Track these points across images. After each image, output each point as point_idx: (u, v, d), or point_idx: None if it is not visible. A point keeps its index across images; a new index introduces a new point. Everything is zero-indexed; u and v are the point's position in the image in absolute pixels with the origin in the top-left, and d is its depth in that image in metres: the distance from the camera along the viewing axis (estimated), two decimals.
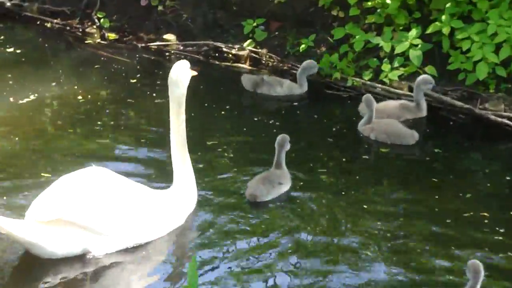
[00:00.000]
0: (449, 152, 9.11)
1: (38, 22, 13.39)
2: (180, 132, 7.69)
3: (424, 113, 9.88)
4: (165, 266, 7.13)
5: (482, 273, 6.37)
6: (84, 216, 6.95)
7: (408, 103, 9.92)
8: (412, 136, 9.26)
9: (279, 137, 8.30)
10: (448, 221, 7.57)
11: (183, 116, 7.69)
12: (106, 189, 7.18)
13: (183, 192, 7.70)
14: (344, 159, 8.97)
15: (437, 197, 8.03)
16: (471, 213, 7.73)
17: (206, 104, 10.29)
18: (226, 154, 8.96)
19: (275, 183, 8.09)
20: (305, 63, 10.70)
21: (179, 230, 7.50)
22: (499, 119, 9.56)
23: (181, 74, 7.63)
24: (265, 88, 10.69)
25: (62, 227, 6.92)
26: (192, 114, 9.96)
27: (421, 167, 8.81)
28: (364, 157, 9.15)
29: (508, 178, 8.46)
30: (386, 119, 9.58)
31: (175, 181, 7.71)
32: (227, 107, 10.25)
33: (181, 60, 7.76)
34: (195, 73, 7.75)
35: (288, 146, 8.32)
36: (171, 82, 7.64)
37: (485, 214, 7.70)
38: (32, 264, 6.97)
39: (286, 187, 8.18)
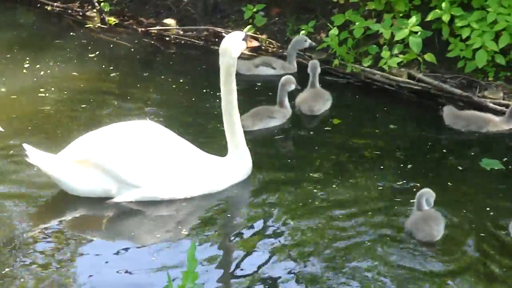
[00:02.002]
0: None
1: (38, 5, 13.39)
2: (229, 101, 7.80)
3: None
4: (179, 229, 7.29)
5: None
6: (111, 162, 7.37)
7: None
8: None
9: (282, 78, 9.54)
10: None
11: (232, 86, 7.76)
12: (144, 141, 7.53)
13: (231, 161, 7.86)
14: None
15: None
16: None
17: (204, 90, 10.33)
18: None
19: (265, 116, 9.27)
20: (295, 38, 10.77)
21: (215, 196, 7.73)
22: (498, 107, 9.57)
23: (230, 44, 7.71)
24: (261, 69, 10.79)
25: (89, 168, 7.42)
26: (193, 99, 10.08)
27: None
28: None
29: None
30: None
31: (228, 151, 7.92)
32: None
33: (236, 31, 7.95)
34: (254, 43, 7.93)
35: (291, 87, 9.55)
36: (220, 51, 7.77)
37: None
38: (61, 198, 7.62)
39: (276, 121, 9.35)
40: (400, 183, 8.08)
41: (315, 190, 7.88)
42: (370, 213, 7.52)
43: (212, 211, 7.61)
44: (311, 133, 9.41)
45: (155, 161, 7.47)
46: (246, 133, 8.19)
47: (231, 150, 7.91)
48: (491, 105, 9.70)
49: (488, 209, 7.58)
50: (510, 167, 8.45)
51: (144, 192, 7.49)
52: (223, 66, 7.75)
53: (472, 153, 8.82)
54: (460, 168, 8.48)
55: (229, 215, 7.68)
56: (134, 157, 7.43)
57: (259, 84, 10.65)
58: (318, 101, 9.84)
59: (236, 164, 7.89)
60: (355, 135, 9.23)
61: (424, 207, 7.28)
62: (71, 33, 12.42)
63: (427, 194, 7.31)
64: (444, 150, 8.91)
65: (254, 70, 10.87)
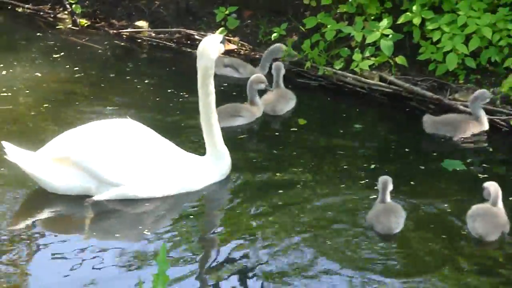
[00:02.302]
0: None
1: (9, 7, 13.29)
2: (207, 103, 7.81)
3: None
4: (155, 228, 7.33)
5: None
6: (89, 160, 7.40)
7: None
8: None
9: (252, 77, 9.74)
10: None
11: (210, 88, 7.78)
12: (124, 139, 7.57)
13: (210, 160, 7.91)
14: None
15: None
16: None
17: (174, 91, 10.37)
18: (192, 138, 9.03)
19: (229, 115, 9.40)
20: (273, 46, 10.75)
21: (194, 195, 7.79)
22: (468, 110, 9.63)
23: (208, 46, 7.75)
24: (228, 70, 10.81)
25: (68, 166, 7.45)
26: (157, 99, 10.08)
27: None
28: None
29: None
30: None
31: (207, 151, 7.96)
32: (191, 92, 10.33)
33: (214, 34, 8.02)
34: (231, 46, 7.88)
35: (259, 86, 9.64)
36: (198, 53, 7.80)
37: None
38: (39, 196, 7.67)
39: (243, 120, 9.49)
40: (362, 182, 8.20)
41: (280, 191, 7.96)
42: (333, 208, 7.68)
43: (189, 210, 7.65)
44: (276, 133, 9.50)
45: (134, 159, 7.50)
46: None
47: (209, 150, 7.96)
48: (461, 107, 9.77)
49: (446, 205, 7.77)
50: (471, 167, 8.57)
51: (123, 190, 7.52)
52: (201, 68, 7.77)
53: (435, 154, 8.93)
54: (423, 167, 8.58)
55: (205, 214, 7.73)
56: (113, 155, 7.46)
57: (226, 84, 10.64)
58: (281, 101, 9.92)
59: (214, 164, 7.94)
60: (321, 135, 9.33)
61: (387, 198, 7.47)
62: (40, 34, 12.31)
63: (390, 182, 7.52)
64: (407, 150, 9.01)
65: (222, 70, 10.85)
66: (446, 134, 9.29)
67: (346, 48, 10.81)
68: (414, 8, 10.32)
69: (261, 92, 9.85)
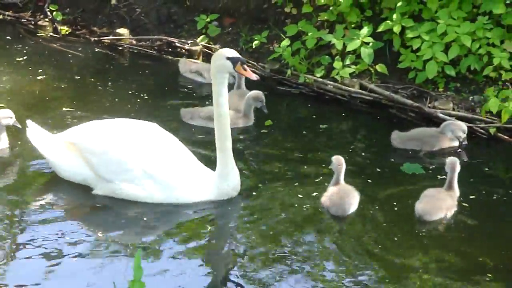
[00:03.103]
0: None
1: None
2: (218, 115, 7.52)
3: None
4: (142, 234, 7.31)
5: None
6: (90, 151, 7.50)
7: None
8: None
9: (252, 92, 9.66)
10: None
11: (218, 101, 7.46)
12: (138, 139, 7.54)
13: (216, 178, 7.65)
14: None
15: None
16: None
17: (148, 96, 10.45)
18: None
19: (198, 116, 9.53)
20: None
21: (190, 207, 7.65)
22: (448, 118, 9.67)
23: (214, 56, 7.56)
24: (194, 75, 10.93)
25: (75, 153, 7.60)
26: (137, 107, 10.08)
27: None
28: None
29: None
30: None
31: (217, 167, 7.71)
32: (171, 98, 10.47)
33: (227, 49, 7.66)
34: (250, 74, 7.49)
35: (257, 104, 9.58)
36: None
37: None
38: (51, 178, 7.94)
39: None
40: (318, 180, 8.31)
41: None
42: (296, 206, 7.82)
43: (181, 221, 7.57)
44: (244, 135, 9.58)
45: (133, 159, 7.45)
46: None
47: (219, 169, 7.65)
48: (441, 115, 9.81)
49: (397, 199, 8.03)
50: (430, 171, 8.62)
51: (114, 188, 7.53)
52: (211, 75, 7.60)
53: (393, 159, 9.04)
54: (386, 170, 8.72)
55: (195, 227, 7.54)
56: (117, 151, 7.45)
57: (190, 86, 10.83)
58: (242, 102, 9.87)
59: (219, 182, 7.65)
60: (286, 136, 9.47)
61: (341, 179, 7.76)
62: (20, 42, 12.27)
63: (343, 162, 7.80)
64: (373, 151, 9.17)
65: (188, 74, 11.04)
66: (414, 149, 9.20)
67: (327, 56, 10.84)
68: (394, 16, 10.37)
69: None
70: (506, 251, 7.24)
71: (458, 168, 7.87)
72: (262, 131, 9.57)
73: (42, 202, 7.63)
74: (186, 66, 11.12)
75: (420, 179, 8.50)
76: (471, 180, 8.55)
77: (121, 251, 6.95)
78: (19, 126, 8.68)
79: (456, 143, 9.22)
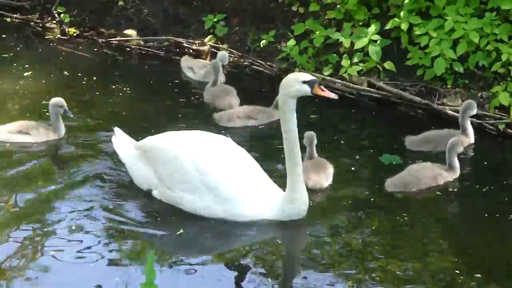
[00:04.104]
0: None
1: None
2: (288, 139, 7.17)
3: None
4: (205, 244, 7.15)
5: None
6: (155, 159, 7.54)
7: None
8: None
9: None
10: None
11: (288, 126, 7.13)
12: (207, 152, 7.42)
13: (284, 200, 7.31)
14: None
15: None
16: None
17: (155, 98, 10.51)
18: None
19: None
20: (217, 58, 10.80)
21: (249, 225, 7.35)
22: (457, 114, 9.64)
23: (287, 82, 7.13)
24: (188, 70, 11.12)
25: (145, 161, 7.67)
26: (145, 106, 10.10)
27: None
28: None
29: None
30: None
31: (286, 188, 7.36)
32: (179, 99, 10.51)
33: (300, 73, 7.48)
34: (328, 94, 7.19)
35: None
36: (280, 86, 7.19)
37: None
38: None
39: (255, 122, 9.66)
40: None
41: None
42: None
43: (237, 238, 7.32)
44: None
45: (196, 171, 7.29)
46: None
47: (287, 191, 7.33)
48: (450, 112, 9.80)
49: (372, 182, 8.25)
50: (409, 162, 8.59)
51: (171, 195, 7.48)
52: (279, 101, 7.25)
53: (371, 150, 9.15)
54: (360, 157, 8.90)
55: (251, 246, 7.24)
56: (181, 161, 7.36)
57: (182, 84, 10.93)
58: (221, 96, 10.14)
59: (281, 206, 7.32)
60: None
61: (314, 153, 8.17)
62: (29, 44, 12.31)
63: (315, 137, 8.23)
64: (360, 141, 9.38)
65: (186, 70, 11.19)
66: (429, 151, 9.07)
67: (334, 54, 10.84)
68: (402, 13, 10.36)
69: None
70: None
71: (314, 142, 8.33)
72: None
73: (93, 204, 7.66)
74: (186, 62, 11.27)
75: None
76: (480, 175, 8.56)
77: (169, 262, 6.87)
78: (71, 115, 8.96)
79: (472, 140, 9.15)
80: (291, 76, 7.21)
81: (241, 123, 9.63)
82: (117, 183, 8.07)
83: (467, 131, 9.16)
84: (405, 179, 8.10)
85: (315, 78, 7.22)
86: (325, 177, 8.05)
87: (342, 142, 9.39)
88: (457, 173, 8.33)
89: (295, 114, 7.15)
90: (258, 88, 10.56)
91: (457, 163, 8.31)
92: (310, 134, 8.25)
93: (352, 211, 7.68)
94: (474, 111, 9.17)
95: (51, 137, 8.95)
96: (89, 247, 6.96)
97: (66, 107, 8.94)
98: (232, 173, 7.32)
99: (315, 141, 8.22)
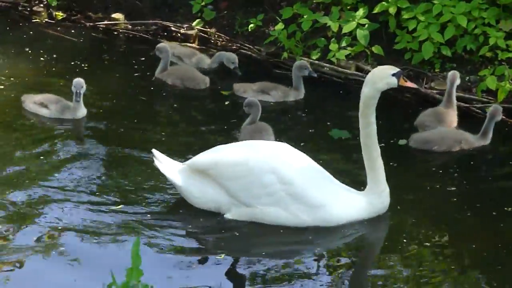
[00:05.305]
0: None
1: None
2: (367, 135, 7.22)
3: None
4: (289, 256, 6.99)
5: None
6: (225, 176, 7.15)
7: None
8: (204, 81, 10.27)
9: (296, 63, 10.17)
10: None
11: (371, 119, 7.18)
12: (273, 161, 7.17)
13: (367, 197, 7.28)
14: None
15: None
16: None
17: (143, 81, 10.56)
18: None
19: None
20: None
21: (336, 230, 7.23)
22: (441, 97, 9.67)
23: (376, 75, 7.18)
24: (174, 59, 10.90)
25: (207, 180, 7.24)
26: (136, 90, 10.09)
27: None
28: None
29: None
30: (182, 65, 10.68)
31: (367, 186, 7.35)
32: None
33: (387, 66, 7.46)
34: (410, 84, 7.45)
35: (303, 73, 9.98)
36: (365, 80, 7.23)
37: None
38: (180, 207, 7.47)
39: (270, 98, 10.00)
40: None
41: None
42: None
43: (330, 242, 7.26)
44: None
45: (277, 182, 7.08)
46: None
47: (369, 187, 7.31)
48: (437, 96, 9.82)
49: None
50: (358, 138, 8.60)
51: (253, 212, 7.18)
52: (363, 95, 7.18)
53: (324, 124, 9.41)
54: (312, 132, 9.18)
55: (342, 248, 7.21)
56: (258, 175, 7.10)
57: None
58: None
59: (371, 202, 7.26)
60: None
61: (257, 119, 8.65)
62: (16, 28, 12.23)
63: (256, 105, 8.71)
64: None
65: (173, 59, 10.94)
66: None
67: (322, 38, 10.83)
68: None
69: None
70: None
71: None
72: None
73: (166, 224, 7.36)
74: (171, 50, 10.90)
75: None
76: (468, 160, 8.61)
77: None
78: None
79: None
80: (380, 70, 7.28)
81: (254, 96, 9.71)
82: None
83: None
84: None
85: (400, 70, 7.36)
86: (269, 140, 8.39)
87: (328, 122, 9.50)
88: (487, 140, 8.87)
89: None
90: (246, 72, 10.50)
91: (491, 132, 8.85)
92: (251, 100, 8.82)
93: None
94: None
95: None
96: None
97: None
98: (313, 179, 7.20)
99: (260, 108, 8.74)
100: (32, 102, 9.33)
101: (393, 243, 7.23)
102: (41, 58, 11.08)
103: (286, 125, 9.51)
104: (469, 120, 9.41)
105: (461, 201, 7.85)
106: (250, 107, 8.79)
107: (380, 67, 7.47)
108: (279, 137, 8.74)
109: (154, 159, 7.36)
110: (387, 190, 7.30)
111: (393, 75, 7.18)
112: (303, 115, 9.83)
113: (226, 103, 9.98)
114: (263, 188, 7.08)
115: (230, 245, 7.09)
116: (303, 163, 7.29)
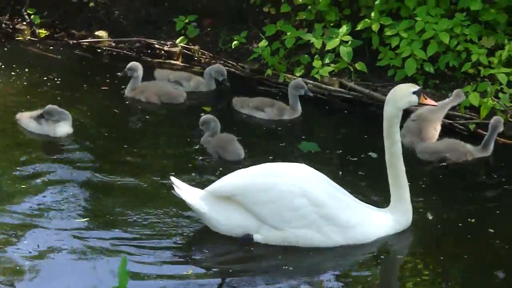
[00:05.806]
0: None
1: None
2: (393, 153, 7.27)
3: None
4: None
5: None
6: (254, 201, 7.06)
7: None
8: (181, 95, 10.39)
9: (292, 82, 10.14)
10: None
11: (395, 138, 7.25)
12: (296, 184, 7.10)
13: (391, 214, 7.34)
14: None
15: None
16: None
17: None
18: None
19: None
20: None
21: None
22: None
23: (397, 94, 7.23)
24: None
25: (233, 206, 7.14)
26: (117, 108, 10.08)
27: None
28: None
29: None
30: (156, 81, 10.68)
31: (391, 203, 7.40)
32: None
33: (408, 84, 7.50)
34: (430, 102, 7.49)
35: (299, 92, 9.98)
36: (386, 99, 7.29)
37: None
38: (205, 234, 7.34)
39: (264, 115, 10.06)
40: None
41: None
42: None
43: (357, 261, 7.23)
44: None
45: (304, 205, 7.05)
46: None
47: (394, 204, 7.36)
48: (419, 111, 9.85)
49: None
50: (327, 151, 8.88)
51: (284, 235, 7.10)
52: (386, 115, 7.25)
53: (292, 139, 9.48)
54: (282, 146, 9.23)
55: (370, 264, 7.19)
56: (288, 198, 7.05)
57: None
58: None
59: (395, 219, 7.33)
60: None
61: (217, 130, 8.91)
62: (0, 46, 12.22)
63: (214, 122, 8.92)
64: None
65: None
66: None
67: (306, 55, 10.87)
68: (373, 14, 10.43)
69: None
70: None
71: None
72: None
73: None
74: (168, 76, 10.92)
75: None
76: (451, 177, 8.67)
77: None
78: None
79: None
80: (401, 88, 7.32)
81: (249, 112, 9.96)
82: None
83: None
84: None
85: (420, 87, 7.44)
86: (241, 148, 8.79)
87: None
88: (489, 152, 8.97)
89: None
90: (230, 89, 10.53)
91: (492, 144, 8.96)
92: (207, 117, 9.02)
93: None
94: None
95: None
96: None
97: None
98: (341, 200, 7.21)
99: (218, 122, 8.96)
100: (28, 117, 9.35)
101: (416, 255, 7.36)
102: (24, 77, 11.04)
103: (257, 139, 9.59)
104: (452, 136, 9.40)
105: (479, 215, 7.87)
106: (207, 124, 8.99)
107: (400, 85, 7.44)
108: (249, 150, 8.92)
109: (174, 186, 7.19)
110: (410, 207, 7.39)
111: (414, 93, 7.25)
112: (279, 129, 9.90)
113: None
114: (295, 211, 7.04)
115: (244, 265, 7.04)
116: (328, 184, 7.29)
